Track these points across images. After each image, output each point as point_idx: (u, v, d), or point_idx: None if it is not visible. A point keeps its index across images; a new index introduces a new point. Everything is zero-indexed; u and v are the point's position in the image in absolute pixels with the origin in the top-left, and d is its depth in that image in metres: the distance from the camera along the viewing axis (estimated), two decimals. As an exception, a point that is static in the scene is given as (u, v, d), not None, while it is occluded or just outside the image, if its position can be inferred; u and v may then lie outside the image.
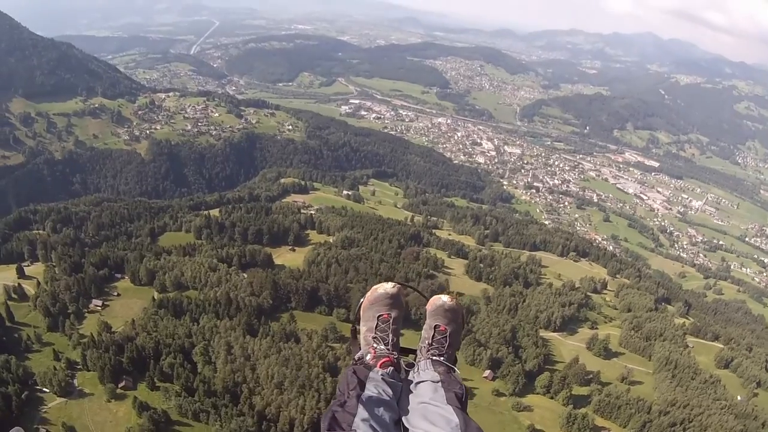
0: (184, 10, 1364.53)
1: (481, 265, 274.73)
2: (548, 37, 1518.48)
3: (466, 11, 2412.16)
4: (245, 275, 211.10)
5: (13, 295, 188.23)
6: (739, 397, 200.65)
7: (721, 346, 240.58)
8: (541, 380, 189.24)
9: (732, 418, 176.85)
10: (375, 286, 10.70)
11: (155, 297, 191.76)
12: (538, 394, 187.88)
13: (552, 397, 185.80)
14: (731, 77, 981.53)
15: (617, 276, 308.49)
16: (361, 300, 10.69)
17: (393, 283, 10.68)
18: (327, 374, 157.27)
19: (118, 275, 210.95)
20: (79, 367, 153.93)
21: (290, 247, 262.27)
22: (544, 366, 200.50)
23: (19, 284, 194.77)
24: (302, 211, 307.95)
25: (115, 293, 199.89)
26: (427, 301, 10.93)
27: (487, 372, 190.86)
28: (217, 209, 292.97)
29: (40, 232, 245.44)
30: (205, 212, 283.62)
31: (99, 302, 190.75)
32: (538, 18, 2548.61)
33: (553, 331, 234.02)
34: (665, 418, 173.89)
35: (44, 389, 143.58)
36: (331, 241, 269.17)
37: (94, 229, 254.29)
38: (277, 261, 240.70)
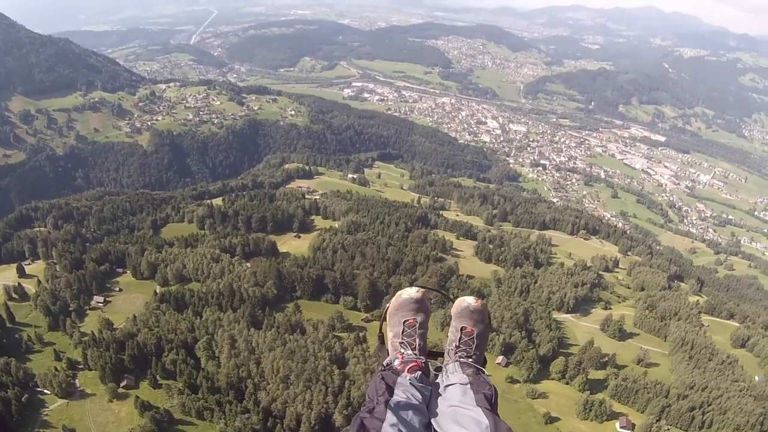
0: (184, 0, 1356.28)
1: (491, 246, 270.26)
2: (550, 13, 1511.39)
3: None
4: (249, 265, 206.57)
5: (14, 295, 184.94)
6: (756, 378, 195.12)
7: (737, 324, 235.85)
8: (555, 365, 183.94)
9: (751, 401, 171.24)
10: (399, 292, 10.25)
11: (157, 291, 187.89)
12: (553, 379, 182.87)
13: (567, 383, 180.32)
14: (735, 50, 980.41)
15: (629, 253, 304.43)
16: (387, 305, 10.28)
17: (417, 288, 10.19)
18: (334, 366, 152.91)
19: (120, 270, 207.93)
20: (80, 366, 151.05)
21: (295, 234, 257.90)
22: (559, 350, 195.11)
23: (19, 284, 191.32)
24: (307, 196, 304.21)
25: (117, 288, 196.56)
26: (453, 303, 10.52)
27: (500, 358, 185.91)
28: (221, 198, 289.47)
29: (41, 229, 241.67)
30: (208, 201, 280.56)
31: (100, 298, 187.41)
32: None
33: (567, 313, 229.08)
34: (684, 402, 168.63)
35: (45, 391, 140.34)
36: (336, 226, 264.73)
37: (96, 224, 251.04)
38: (282, 248, 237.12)
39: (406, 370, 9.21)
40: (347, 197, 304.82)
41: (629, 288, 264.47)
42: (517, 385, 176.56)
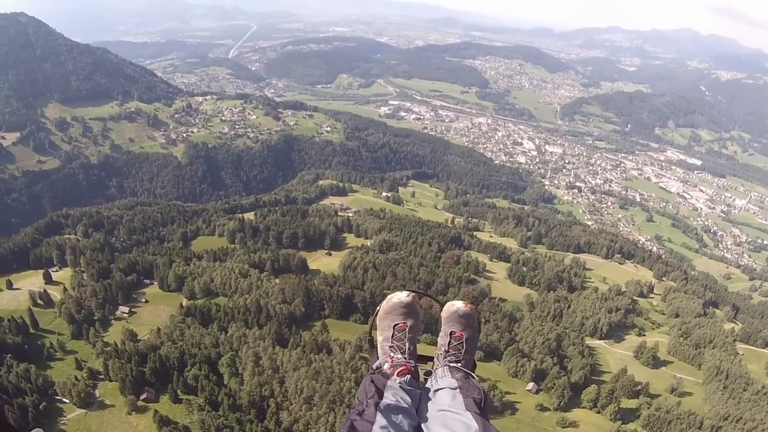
0: (222, 15, 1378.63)
1: (524, 268, 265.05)
2: (587, 34, 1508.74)
3: (504, 10, 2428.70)
4: (277, 281, 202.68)
5: (39, 302, 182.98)
6: None
7: None
8: (587, 393, 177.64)
9: None
10: (389, 296, 10.42)
11: (183, 304, 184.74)
12: (584, 408, 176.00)
13: (599, 412, 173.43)
14: None
15: (663, 279, 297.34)
16: (377, 309, 10.39)
17: (407, 292, 10.38)
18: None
19: (147, 281, 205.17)
20: (101, 377, 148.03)
21: (326, 251, 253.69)
22: (591, 377, 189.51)
23: (45, 290, 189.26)
24: (339, 213, 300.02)
25: (143, 300, 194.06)
26: (442, 307, 10.67)
27: (531, 385, 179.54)
28: (253, 212, 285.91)
29: (70, 236, 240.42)
30: (240, 215, 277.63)
31: (126, 309, 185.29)
32: (576, 16, 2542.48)
33: (600, 339, 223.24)
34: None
35: (64, 399, 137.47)
36: (368, 244, 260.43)
37: (126, 234, 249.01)
38: (313, 266, 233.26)
39: (395, 374, 9.26)
40: (380, 216, 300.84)
41: (664, 314, 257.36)
42: (547, 413, 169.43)
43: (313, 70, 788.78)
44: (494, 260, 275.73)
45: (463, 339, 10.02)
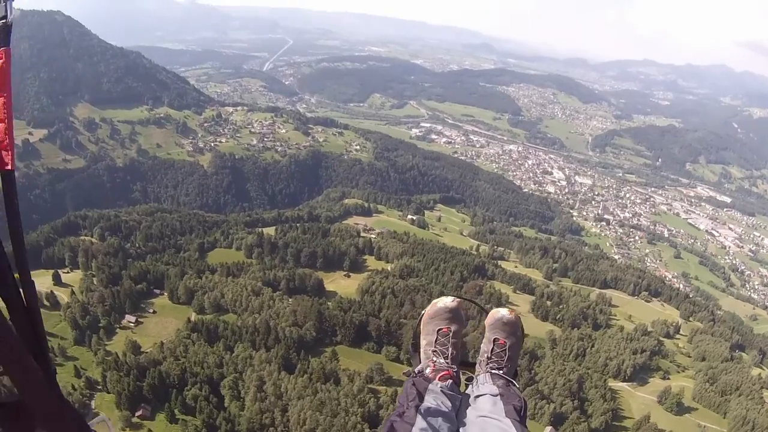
0: (259, 27, 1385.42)
1: (548, 302, 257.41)
2: (620, 66, 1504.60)
3: (540, 39, 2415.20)
4: (291, 301, 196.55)
5: (46, 303, 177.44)
6: None
7: None
8: None
9: None
10: (435, 300, 10.32)
11: (191, 318, 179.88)
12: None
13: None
14: None
15: (690, 319, 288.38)
16: (422, 313, 10.30)
17: (453, 297, 10.31)
18: (366, 425, 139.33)
19: (157, 291, 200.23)
20: (99, 387, 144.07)
21: (345, 273, 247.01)
22: (612, 423, 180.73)
23: (52, 291, 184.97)
24: (362, 234, 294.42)
25: (151, 310, 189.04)
26: (487, 315, 10.54)
27: (548, 429, 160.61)
28: (273, 227, 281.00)
29: (86, 238, 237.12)
30: (260, 230, 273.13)
31: (132, 318, 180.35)
32: (610, 47, 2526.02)
33: (623, 381, 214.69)
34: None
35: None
36: (389, 269, 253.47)
37: (142, 240, 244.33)
38: (329, 287, 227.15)
39: (437, 378, 9.11)
40: (403, 239, 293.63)
41: (690, 357, 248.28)
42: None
43: (346, 87, 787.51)
44: (518, 292, 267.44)
45: (507, 346, 9.84)
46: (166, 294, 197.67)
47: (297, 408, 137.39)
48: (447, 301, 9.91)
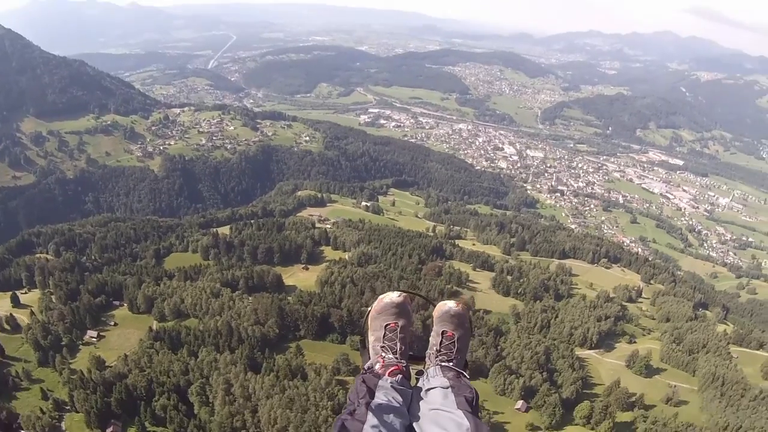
0: (202, 25, 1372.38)
1: (509, 277, 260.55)
2: (566, 39, 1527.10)
3: (484, 17, 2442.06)
4: (251, 299, 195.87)
5: (6, 326, 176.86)
6: None
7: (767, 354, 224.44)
8: (580, 410, 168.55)
9: None
10: (381, 296, 10.55)
11: (152, 327, 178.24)
12: (577, 425, 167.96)
13: (593, 428, 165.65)
14: (752, 72, 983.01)
15: (651, 282, 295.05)
16: (369, 309, 10.53)
17: (399, 292, 10.52)
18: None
19: (117, 302, 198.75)
20: (67, 408, 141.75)
21: (303, 266, 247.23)
22: (582, 391, 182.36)
23: (11, 314, 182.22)
24: (317, 225, 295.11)
25: (112, 323, 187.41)
26: (434, 307, 10.88)
27: (520, 403, 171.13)
28: (228, 226, 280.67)
29: (41, 255, 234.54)
30: (215, 230, 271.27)
31: (94, 333, 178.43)
32: (555, 21, 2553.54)
33: (590, 349, 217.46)
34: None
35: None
36: (346, 257, 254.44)
37: (98, 252, 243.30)
38: (289, 281, 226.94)
39: (386, 374, 9.39)
40: (359, 227, 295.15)
41: (654, 319, 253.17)
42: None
43: (292, 79, 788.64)
44: (477, 270, 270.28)
45: (455, 338, 10.15)
46: (125, 305, 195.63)
47: (267, 407, 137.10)
48: (393, 296, 10.29)
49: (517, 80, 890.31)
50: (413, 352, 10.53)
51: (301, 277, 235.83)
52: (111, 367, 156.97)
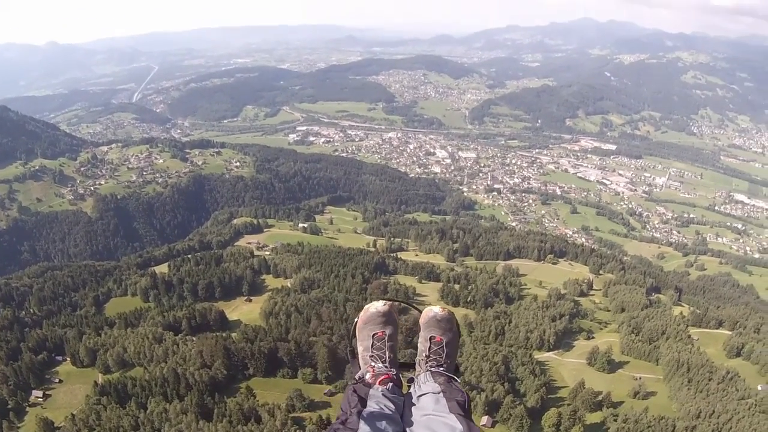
0: (122, 58, 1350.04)
1: (456, 286, 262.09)
2: (486, 36, 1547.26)
3: (401, 22, 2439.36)
4: (195, 340, 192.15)
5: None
6: (759, 387, 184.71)
7: (728, 332, 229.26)
8: (548, 418, 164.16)
9: (763, 417, 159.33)
10: (367, 306, 10.91)
11: (98, 381, 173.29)
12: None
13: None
14: (673, 49, 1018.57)
15: (601, 272, 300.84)
16: (356, 320, 10.84)
17: (384, 301, 10.85)
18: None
19: (59, 357, 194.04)
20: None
21: (246, 298, 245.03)
22: (547, 397, 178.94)
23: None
24: (255, 254, 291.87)
25: (57, 380, 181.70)
26: (420, 314, 11.19)
27: (485, 419, 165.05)
28: (166, 264, 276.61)
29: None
30: (153, 269, 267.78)
31: (39, 393, 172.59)
32: (473, 19, 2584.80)
33: (548, 351, 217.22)
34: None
35: None
36: (289, 285, 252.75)
37: (36, 305, 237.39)
38: (232, 316, 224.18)
39: (377, 383, 9.61)
40: (298, 250, 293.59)
41: (609, 311, 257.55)
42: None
43: (217, 105, 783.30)
44: (423, 282, 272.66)
45: (443, 343, 10.39)
46: (68, 359, 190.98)
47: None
48: (379, 306, 10.63)
49: (442, 83, 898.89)
50: (402, 359, 11.03)
51: (245, 310, 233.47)
52: (60, 428, 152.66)
